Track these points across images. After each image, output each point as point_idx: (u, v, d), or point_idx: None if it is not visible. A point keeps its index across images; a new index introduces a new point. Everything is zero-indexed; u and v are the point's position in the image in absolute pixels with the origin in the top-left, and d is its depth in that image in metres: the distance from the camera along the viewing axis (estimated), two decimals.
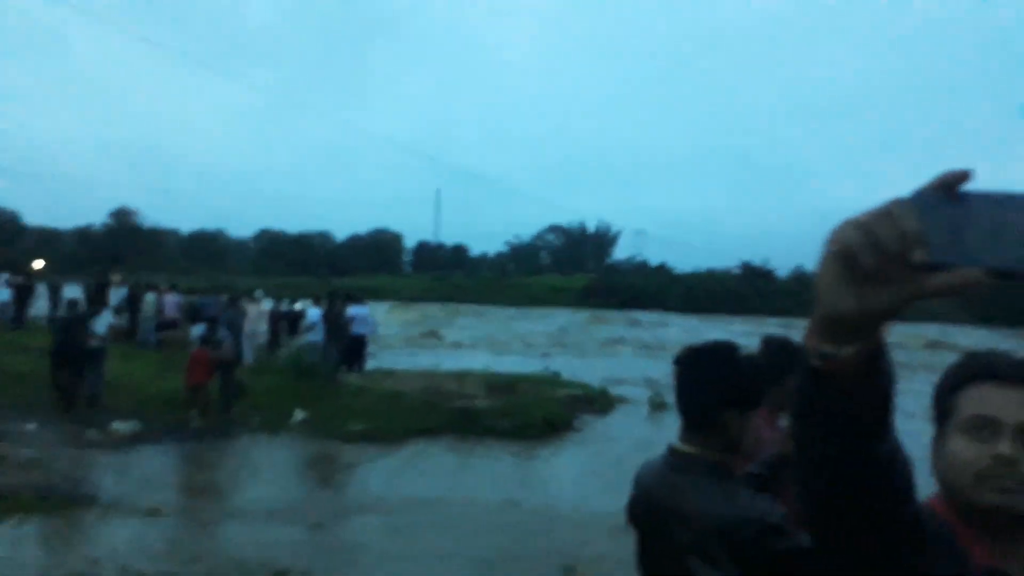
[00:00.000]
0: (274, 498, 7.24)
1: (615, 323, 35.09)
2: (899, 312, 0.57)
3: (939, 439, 1.07)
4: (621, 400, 12.90)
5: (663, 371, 12.94)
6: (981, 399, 1.02)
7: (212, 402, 10.27)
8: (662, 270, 70.24)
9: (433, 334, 25.60)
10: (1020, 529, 0.99)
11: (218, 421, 10.04)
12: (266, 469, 8.40)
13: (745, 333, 22.68)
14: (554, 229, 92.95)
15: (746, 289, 58.09)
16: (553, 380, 13.93)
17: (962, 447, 1.00)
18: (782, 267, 63.96)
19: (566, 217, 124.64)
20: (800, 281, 59.85)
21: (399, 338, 23.09)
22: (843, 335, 0.61)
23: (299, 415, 10.40)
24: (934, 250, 0.52)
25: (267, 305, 17.54)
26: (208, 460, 8.75)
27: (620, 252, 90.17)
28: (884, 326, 0.61)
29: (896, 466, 0.73)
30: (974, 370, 1.06)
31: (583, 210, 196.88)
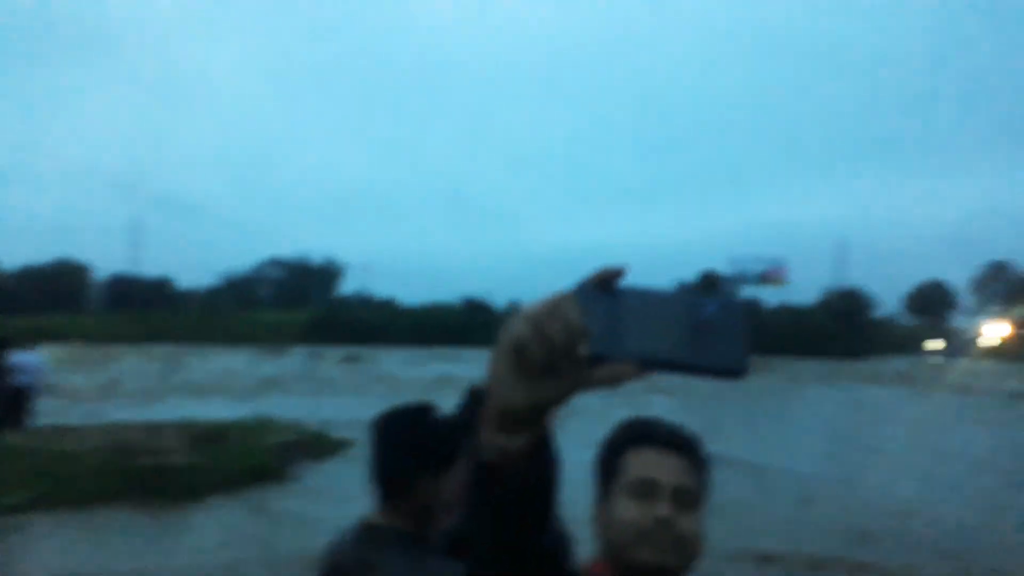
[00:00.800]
0: None
1: (340, 359, 34.23)
2: (565, 402, 0.58)
3: (603, 500, 1.15)
4: (342, 443, 12.29)
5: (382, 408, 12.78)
6: (643, 463, 1.12)
7: None
8: (389, 304, 70.58)
9: (124, 381, 22.63)
10: None
11: None
12: None
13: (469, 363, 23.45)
14: (275, 262, 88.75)
15: (468, 322, 60.67)
16: (266, 425, 12.93)
17: (626, 508, 1.09)
18: (501, 300, 68.05)
19: (289, 250, 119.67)
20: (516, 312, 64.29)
21: (81, 387, 19.96)
22: (514, 426, 0.60)
23: None
24: (595, 343, 0.55)
25: None
26: None
27: (347, 286, 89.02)
28: (552, 416, 0.61)
29: (560, 550, 0.74)
30: (635, 435, 1.16)
31: (307, 243, 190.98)
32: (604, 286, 0.58)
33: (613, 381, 0.56)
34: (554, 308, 0.56)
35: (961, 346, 65.66)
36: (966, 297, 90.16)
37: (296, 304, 73.32)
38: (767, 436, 15.13)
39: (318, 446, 11.89)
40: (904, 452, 14.27)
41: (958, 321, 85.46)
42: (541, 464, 0.64)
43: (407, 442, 1.64)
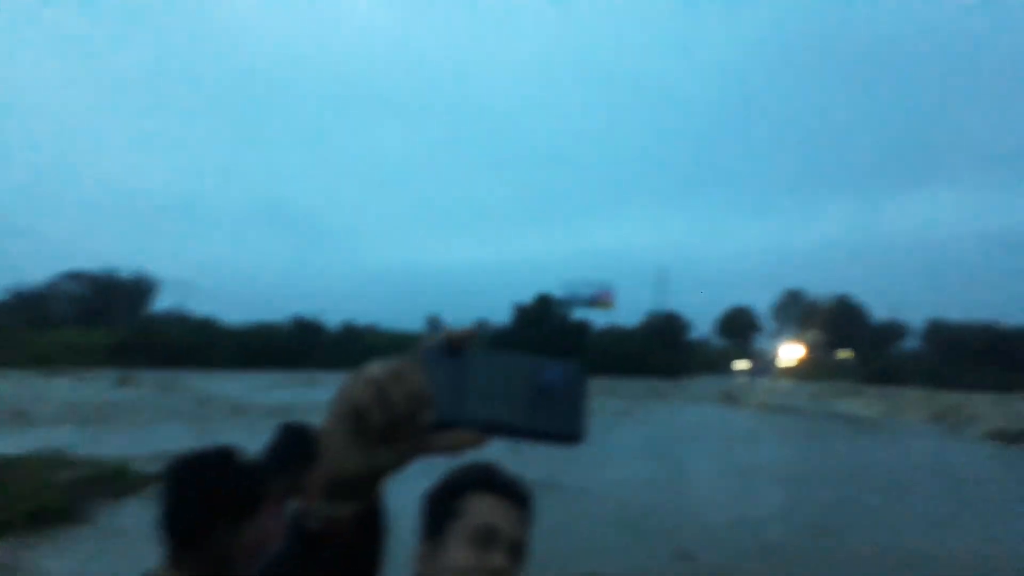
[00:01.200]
0: None
1: (149, 384, 31.25)
2: (402, 469, 0.57)
3: (433, 539, 1.11)
4: (147, 480, 10.92)
5: (202, 440, 11.66)
6: (485, 509, 1.10)
7: None
8: (209, 323, 65.90)
9: None
10: None
11: None
12: None
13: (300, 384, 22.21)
14: (74, 275, 79.80)
15: (297, 343, 58.18)
16: (56, 459, 11.33)
17: (463, 554, 1.07)
18: (335, 320, 65.73)
19: (92, 263, 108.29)
20: (350, 333, 62.48)
21: None
22: (344, 494, 0.57)
23: None
24: (440, 409, 0.55)
25: None
26: None
27: (160, 303, 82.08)
28: (385, 482, 0.59)
29: None
30: (478, 479, 1.14)
31: (114, 257, 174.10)
32: (450, 350, 0.57)
33: (454, 449, 0.55)
34: (398, 373, 0.53)
35: (764, 366, 72.28)
36: (768, 321, 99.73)
37: (99, 322, 66.52)
38: (590, 458, 15.39)
39: (119, 483, 10.48)
40: (722, 469, 15.12)
41: (761, 343, 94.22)
42: (369, 532, 0.60)
43: (202, 491, 1.49)
